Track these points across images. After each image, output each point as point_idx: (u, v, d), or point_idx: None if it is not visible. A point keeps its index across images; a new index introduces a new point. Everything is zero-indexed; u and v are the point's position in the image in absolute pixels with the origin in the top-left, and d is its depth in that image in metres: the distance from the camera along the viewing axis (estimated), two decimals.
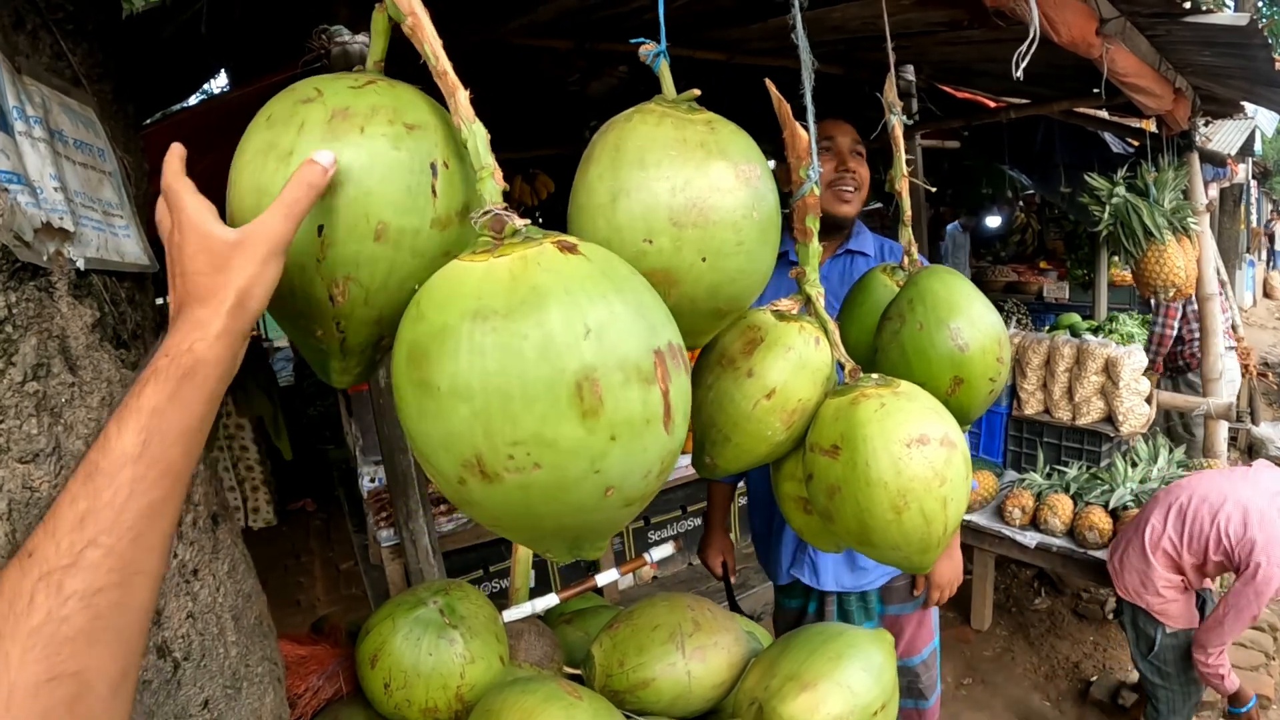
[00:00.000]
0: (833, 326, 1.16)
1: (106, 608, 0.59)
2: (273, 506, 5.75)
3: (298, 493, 6.32)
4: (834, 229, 2.23)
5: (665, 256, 0.90)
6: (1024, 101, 4.54)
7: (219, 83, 3.68)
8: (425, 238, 0.79)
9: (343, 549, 5.19)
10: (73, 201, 0.88)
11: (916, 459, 1.03)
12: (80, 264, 0.87)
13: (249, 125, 0.80)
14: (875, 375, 1.14)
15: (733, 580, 2.68)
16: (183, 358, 0.65)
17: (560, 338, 0.65)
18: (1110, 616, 4.22)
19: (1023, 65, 1.67)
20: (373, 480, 3.66)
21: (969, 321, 1.26)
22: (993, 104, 4.79)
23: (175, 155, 0.75)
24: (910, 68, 3.76)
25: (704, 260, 0.92)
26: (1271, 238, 17.10)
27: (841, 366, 1.17)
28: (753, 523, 2.59)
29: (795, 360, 1.10)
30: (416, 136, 0.79)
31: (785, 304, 1.17)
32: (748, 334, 1.13)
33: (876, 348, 1.35)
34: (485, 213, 0.73)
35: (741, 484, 3.17)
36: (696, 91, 1.01)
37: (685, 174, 0.90)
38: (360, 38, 2.05)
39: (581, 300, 0.67)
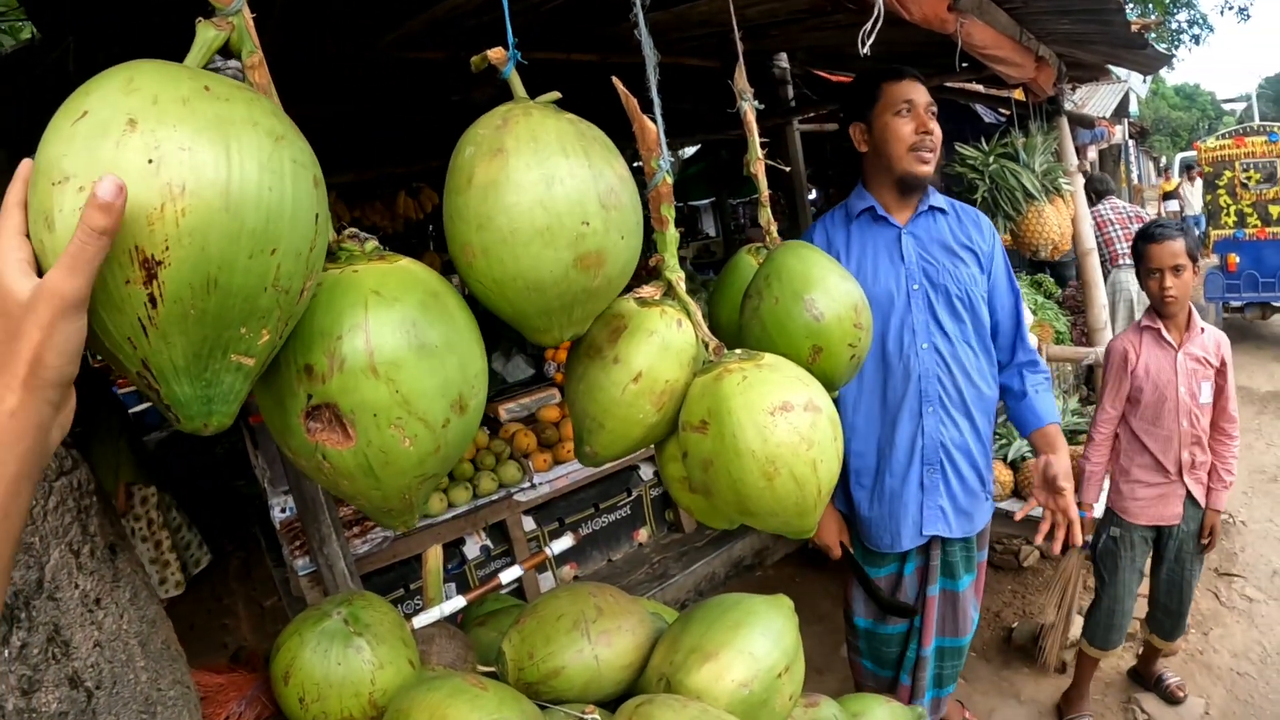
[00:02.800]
0: (695, 308, 1.21)
1: None
2: (183, 573, 5.32)
3: (213, 535, 6.12)
4: (914, 188, 2.28)
5: (599, 237, 0.97)
6: None
7: None
8: None
9: (264, 586, 5.07)
10: None
11: (782, 426, 1.08)
12: None
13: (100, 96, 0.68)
14: (739, 351, 1.20)
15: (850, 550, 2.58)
16: None
17: (465, 304, 0.95)
18: (1023, 565, 4.40)
19: (868, 43, 1.73)
20: (284, 510, 3.60)
21: (824, 292, 1.32)
22: None
23: (19, 179, 0.68)
24: (784, 55, 3.85)
25: (622, 238, 1.01)
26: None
27: (707, 345, 1.22)
28: (858, 495, 2.48)
29: (659, 343, 1.15)
30: None
31: (647, 290, 1.22)
32: (613, 322, 1.17)
33: (741, 325, 1.40)
34: (351, 234, 0.93)
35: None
36: (557, 94, 1.07)
37: (596, 162, 0.97)
38: (233, 63, 2.04)
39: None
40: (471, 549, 4.04)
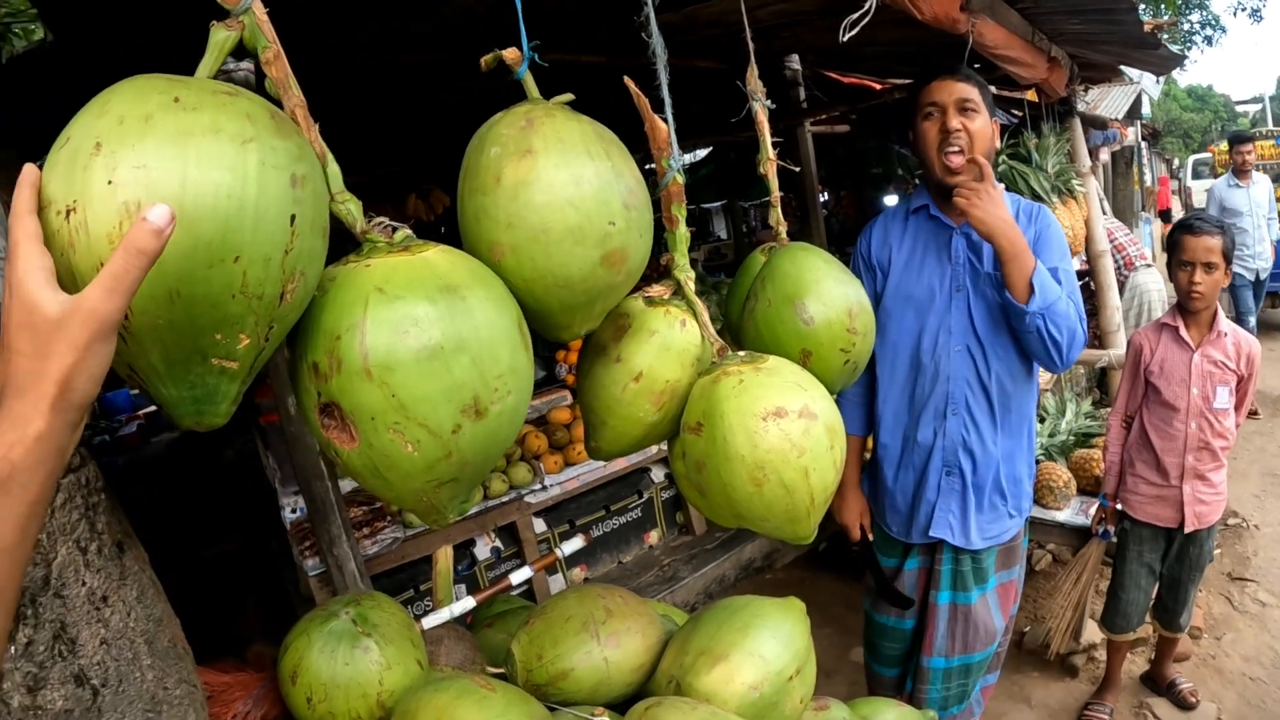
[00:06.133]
0: (701, 308, 1.20)
1: None
2: None
3: (222, 535, 6.17)
4: (952, 192, 2.14)
5: (623, 235, 1.00)
6: (907, 82, 4.63)
7: None
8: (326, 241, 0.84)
9: (276, 586, 5.08)
10: None
11: (772, 432, 1.07)
12: None
13: (114, 110, 0.69)
14: (743, 353, 1.19)
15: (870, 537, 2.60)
16: None
17: (505, 296, 0.90)
18: (1035, 569, 4.37)
19: (851, 34, 1.66)
20: (294, 511, 3.59)
21: (815, 297, 1.32)
22: (878, 86, 4.87)
23: (26, 185, 0.66)
24: (795, 57, 3.83)
25: (640, 236, 1.04)
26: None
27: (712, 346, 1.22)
28: (888, 481, 2.47)
29: (659, 343, 1.15)
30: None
31: (656, 290, 1.22)
32: (618, 321, 1.17)
33: (740, 326, 1.40)
34: (380, 223, 0.90)
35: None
36: (571, 95, 1.07)
37: (617, 163, 0.99)
38: (245, 64, 2.04)
39: (493, 274, 0.93)
40: (482, 550, 4.04)
